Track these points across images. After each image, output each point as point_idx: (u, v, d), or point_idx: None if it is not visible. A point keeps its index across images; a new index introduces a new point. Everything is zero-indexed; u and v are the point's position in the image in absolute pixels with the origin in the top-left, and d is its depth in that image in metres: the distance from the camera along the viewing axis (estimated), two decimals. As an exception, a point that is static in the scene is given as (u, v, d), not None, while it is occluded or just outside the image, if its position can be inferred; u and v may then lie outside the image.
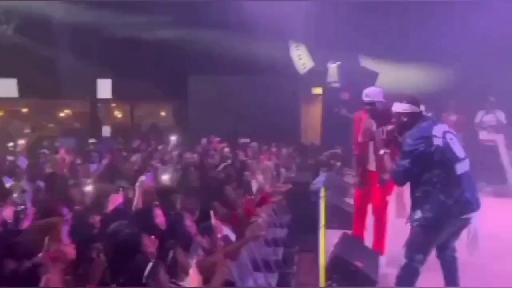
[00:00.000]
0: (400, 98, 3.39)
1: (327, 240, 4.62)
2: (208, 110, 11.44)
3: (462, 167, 3.18)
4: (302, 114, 11.89)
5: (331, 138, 10.54)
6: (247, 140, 10.17)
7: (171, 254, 2.75)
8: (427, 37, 9.57)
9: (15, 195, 4.23)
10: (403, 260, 3.28)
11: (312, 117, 11.74)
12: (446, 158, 3.15)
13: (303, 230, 5.83)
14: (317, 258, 4.34)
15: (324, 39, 10.39)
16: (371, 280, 3.61)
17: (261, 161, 7.66)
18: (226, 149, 8.19)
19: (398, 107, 3.36)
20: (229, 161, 6.95)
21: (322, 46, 10.75)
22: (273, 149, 8.91)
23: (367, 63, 11.07)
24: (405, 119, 3.29)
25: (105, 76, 11.96)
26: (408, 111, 3.29)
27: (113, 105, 14.53)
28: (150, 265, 2.52)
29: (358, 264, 3.63)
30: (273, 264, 4.59)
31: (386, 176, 4.10)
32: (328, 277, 3.68)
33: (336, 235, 4.51)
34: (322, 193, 6.55)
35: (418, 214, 3.16)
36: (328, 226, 5.39)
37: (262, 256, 4.45)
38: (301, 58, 11.50)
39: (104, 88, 12.15)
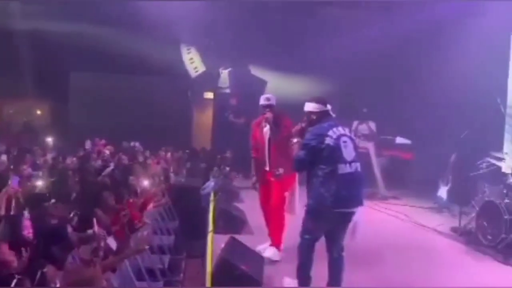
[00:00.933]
0: (310, 98, 3.80)
1: (215, 245, 4.66)
2: (92, 110, 10.75)
3: (345, 168, 3.52)
4: (193, 118, 11.83)
5: (222, 142, 10.67)
6: (136, 143, 9.80)
7: (39, 271, 2.48)
8: (313, 49, 10.18)
9: None
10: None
11: (204, 121, 11.75)
12: (332, 157, 3.51)
13: (191, 236, 5.78)
14: (204, 264, 4.35)
15: (216, 44, 10.50)
16: (255, 282, 3.71)
17: (148, 166, 7.42)
18: (109, 153, 7.76)
19: (309, 106, 3.75)
20: (112, 166, 6.60)
21: (214, 51, 10.84)
22: (162, 153, 8.69)
23: (257, 71, 11.45)
24: (314, 117, 3.70)
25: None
26: (316, 110, 3.71)
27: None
28: (14, 281, 2.25)
29: (243, 267, 3.69)
30: (158, 273, 4.46)
31: (281, 171, 4.53)
32: (214, 282, 3.69)
33: (224, 240, 4.55)
34: (212, 198, 6.59)
35: (307, 200, 3.65)
36: (216, 231, 5.45)
37: (147, 265, 4.31)
38: (193, 62, 11.46)
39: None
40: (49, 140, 8.59)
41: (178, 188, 6.93)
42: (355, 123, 9.68)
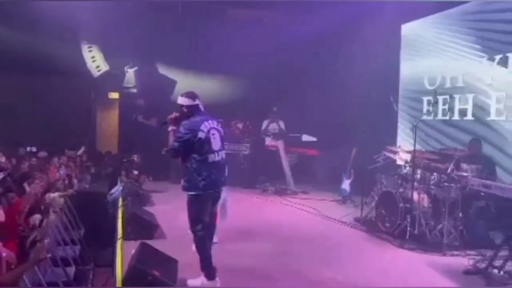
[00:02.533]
0: (183, 93, 4.24)
1: (126, 252, 4.47)
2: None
3: (214, 157, 4.14)
4: (98, 119, 11.19)
5: (130, 145, 10.25)
6: (33, 148, 9.02)
7: None
8: (223, 48, 10.21)
9: None
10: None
11: (109, 123, 11.16)
12: (204, 148, 4.07)
13: (99, 245, 5.47)
14: (114, 272, 4.15)
15: (120, 42, 10.01)
16: (168, 286, 3.62)
17: (49, 172, 6.86)
18: (2, 159, 7.02)
19: (180, 100, 4.19)
20: (6, 173, 5.99)
21: (118, 49, 10.35)
22: (64, 158, 8.08)
23: (165, 70, 11.18)
24: (185, 110, 4.15)
25: None
26: (187, 104, 4.15)
27: None
28: None
29: (156, 272, 3.59)
30: (62, 286, 4.15)
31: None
32: (125, 290, 3.53)
33: (136, 246, 4.39)
34: (120, 203, 6.28)
35: (182, 182, 4.12)
36: (126, 237, 5.22)
37: (49, 279, 3.99)
38: (95, 60, 10.84)
39: None
40: None
41: (82, 194, 6.50)
42: (265, 122, 9.93)
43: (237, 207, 7.74)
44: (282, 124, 9.86)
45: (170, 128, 4.18)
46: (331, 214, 7.35)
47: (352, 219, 7.11)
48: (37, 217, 4.55)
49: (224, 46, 10.22)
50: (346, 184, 8.51)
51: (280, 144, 9.65)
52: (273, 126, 9.87)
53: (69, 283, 4.30)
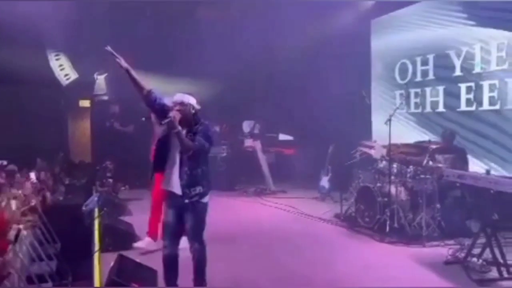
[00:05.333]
0: (187, 93, 3.87)
1: (104, 265, 4.35)
2: None
3: None
4: (69, 129, 10.89)
5: (104, 153, 10.02)
6: (4, 162, 8.69)
7: None
8: (195, 51, 10.10)
9: None
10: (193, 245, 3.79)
11: (81, 132, 10.88)
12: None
13: (76, 258, 5.32)
14: (92, 284, 4.03)
15: (88, 49, 9.75)
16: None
17: (20, 185, 6.61)
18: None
19: (190, 99, 3.80)
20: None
21: (87, 56, 10.08)
22: (35, 171, 7.81)
23: (138, 75, 10.95)
24: (194, 111, 3.78)
25: None
26: (196, 107, 3.83)
27: None
28: None
29: (135, 284, 3.50)
30: (39, 305, 4.01)
31: None
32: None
33: (114, 257, 4.28)
34: (96, 214, 6.12)
35: (200, 189, 3.70)
36: (104, 249, 5.09)
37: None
38: (63, 68, 10.55)
39: None
40: None
41: (57, 207, 6.31)
42: (244, 123, 9.90)
43: (217, 210, 7.69)
44: (258, 125, 9.85)
45: (177, 129, 3.56)
46: (311, 212, 7.37)
47: (332, 215, 7.15)
48: (12, 233, 4.36)
49: (197, 48, 10.11)
50: (324, 181, 8.55)
51: (257, 145, 9.63)
52: (250, 127, 9.86)
53: (46, 301, 4.17)
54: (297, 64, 9.97)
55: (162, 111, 3.68)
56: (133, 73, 3.68)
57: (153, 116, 5.24)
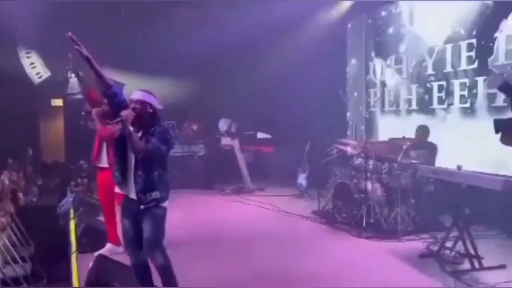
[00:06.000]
0: (145, 90, 3.58)
1: (82, 265, 4.28)
2: None
3: None
4: (41, 128, 10.61)
5: (78, 152, 9.80)
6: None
7: None
8: (169, 48, 9.99)
9: None
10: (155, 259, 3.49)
11: (53, 131, 10.62)
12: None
13: (52, 260, 5.21)
14: (70, 286, 3.98)
15: (61, 47, 9.51)
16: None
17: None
18: None
19: (147, 97, 3.51)
20: None
21: (59, 54, 9.83)
22: (6, 172, 7.58)
23: (111, 74, 10.75)
24: (151, 110, 3.50)
25: None
26: (156, 106, 3.54)
27: None
28: None
29: (116, 284, 3.46)
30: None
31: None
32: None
33: (93, 258, 4.22)
34: (71, 215, 6.02)
35: (156, 194, 3.43)
36: (81, 250, 5.01)
37: (-1, 302, 3.75)
38: (35, 67, 10.27)
39: None
40: None
41: (30, 209, 6.16)
42: (220, 121, 9.88)
43: (195, 208, 7.71)
44: (235, 123, 9.86)
45: (127, 130, 3.31)
46: (290, 209, 7.43)
47: (310, 212, 7.23)
48: None
49: (171, 46, 10.01)
50: (302, 179, 8.64)
51: (235, 143, 9.63)
52: (227, 125, 9.85)
53: (21, 304, 4.07)
54: (275, 62, 10.01)
55: (120, 107, 3.44)
56: (94, 63, 3.43)
57: (94, 112, 5.07)
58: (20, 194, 6.67)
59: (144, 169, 3.41)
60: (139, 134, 3.45)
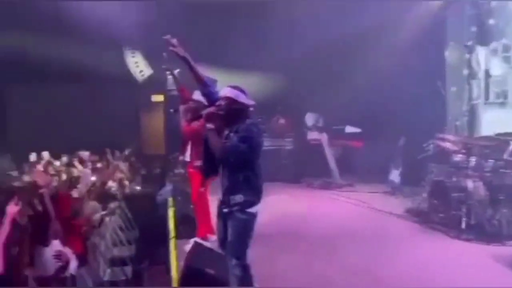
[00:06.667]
0: (233, 86, 3.42)
1: (179, 251, 4.58)
2: (33, 124, 10.24)
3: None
4: (143, 123, 11.51)
5: (176, 145, 10.46)
6: (86, 153, 9.42)
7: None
8: (258, 44, 10.19)
9: None
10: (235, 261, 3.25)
11: (154, 125, 11.46)
12: (260, 150, 3.37)
13: (153, 244, 5.65)
14: (169, 271, 4.27)
15: (161, 46, 10.19)
16: (223, 284, 3.67)
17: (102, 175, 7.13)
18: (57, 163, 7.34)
19: (232, 93, 3.34)
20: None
21: (160, 53, 10.54)
22: (115, 162, 8.36)
23: (206, 70, 11.26)
24: (236, 107, 3.31)
25: None
26: (239, 100, 3.33)
27: None
28: None
29: (210, 271, 3.65)
30: (121, 284, 4.34)
31: (198, 163, 4.63)
32: (180, 288, 3.63)
33: (188, 244, 4.49)
34: (170, 203, 6.45)
35: (240, 198, 3.21)
36: (178, 236, 5.35)
37: (109, 278, 4.18)
38: (138, 65, 11.13)
39: None
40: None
41: (135, 196, 6.73)
42: (307, 116, 9.87)
43: (281, 203, 7.74)
44: (322, 117, 9.79)
45: (209, 126, 3.27)
46: (380, 207, 7.18)
47: (403, 210, 6.92)
48: (97, 217, 4.73)
49: (262, 42, 10.19)
50: (394, 175, 8.28)
51: (323, 137, 9.55)
52: (315, 119, 9.80)
53: (127, 282, 4.49)
54: (365, 53, 9.69)
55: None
56: (192, 62, 3.44)
57: (181, 108, 5.23)
58: (127, 182, 7.32)
59: (228, 169, 3.25)
60: (226, 132, 3.31)
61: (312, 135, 9.84)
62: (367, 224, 6.38)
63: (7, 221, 3.05)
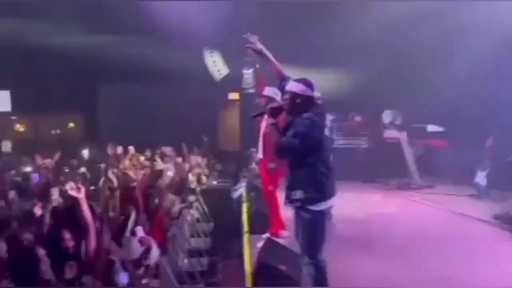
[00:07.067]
0: (297, 79, 3.32)
1: (251, 246, 4.67)
2: (121, 120, 11.03)
3: (331, 158, 3.27)
4: (219, 120, 11.90)
5: (251, 143, 10.66)
6: (169, 148, 9.96)
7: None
8: (331, 40, 10.03)
9: None
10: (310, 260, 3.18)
11: (229, 123, 11.78)
12: (328, 147, 3.25)
13: (227, 237, 5.81)
14: (242, 264, 4.37)
15: (239, 45, 10.43)
16: (294, 282, 3.68)
17: (181, 170, 7.50)
18: (142, 158, 7.83)
19: (294, 87, 3.26)
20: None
21: (238, 51, 10.80)
22: (193, 157, 8.75)
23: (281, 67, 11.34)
24: (298, 100, 3.22)
25: (3, 88, 11.00)
26: (304, 93, 3.22)
27: (14, 118, 13.35)
28: None
29: (282, 268, 3.68)
30: (198, 275, 4.52)
31: (272, 165, 4.65)
32: (254, 283, 3.70)
33: (259, 240, 4.56)
34: (244, 198, 6.61)
35: (300, 194, 3.13)
36: (251, 231, 5.45)
37: (187, 269, 4.38)
38: (216, 65, 11.49)
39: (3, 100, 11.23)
40: (85, 152, 8.79)
41: (211, 190, 7.00)
42: (385, 113, 9.54)
43: (355, 203, 7.52)
44: (400, 115, 9.40)
45: (271, 121, 3.24)
46: (465, 211, 6.72)
47: (490, 216, 6.41)
48: (176, 210, 4.97)
49: (339, 40, 10.02)
50: (481, 177, 7.71)
51: (401, 136, 9.17)
52: (394, 117, 9.45)
53: (203, 273, 4.68)
54: (451, 52, 9.11)
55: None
56: (270, 55, 3.52)
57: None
58: (204, 177, 7.63)
59: (289, 164, 3.21)
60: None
61: (390, 133, 9.49)
62: (448, 228, 6.00)
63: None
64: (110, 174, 4.70)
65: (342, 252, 4.70)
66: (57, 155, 6.56)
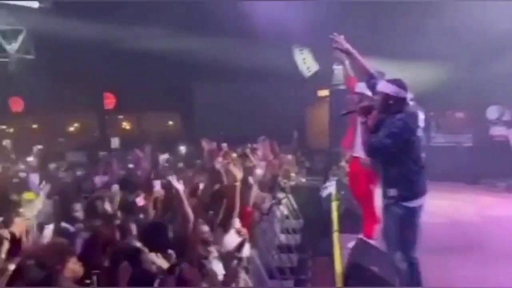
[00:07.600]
0: (390, 80, 3.32)
1: (340, 245, 4.59)
2: (214, 118, 11.57)
3: (422, 158, 3.28)
4: (308, 117, 11.87)
5: (339, 139, 10.48)
6: (259, 144, 10.20)
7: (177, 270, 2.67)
8: (429, 34, 9.46)
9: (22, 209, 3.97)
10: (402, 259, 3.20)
11: (318, 120, 11.70)
12: (420, 147, 3.25)
13: (316, 235, 5.79)
14: (331, 262, 4.32)
15: (328, 42, 10.30)
16: (387, 283, 3.56)
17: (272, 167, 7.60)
18: (234, 155, 8.10)
19: (387, 88, 3.25)
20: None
21: (327, 48, 10.67)
22: (282, 155, 8.83)
23: (373, 63, 10.96)
24: (391, 102, 3.21)
25: (111, 89, 12.14)
26: (396, 95, 3.21)
27: (120, 116, 14.69)
28: (157, 281, 2.50)
29: (375, 269, 3.58)
30: (287, 271, 4.57)
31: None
32: (345, 283, 3.65)
33: (349, 239, 4.46)
34: (334, 197, 6.53)
35: (394, 192, 3.19)
36: (342, 230, 5.36)
37: (277, 264, 4.45)
38: (306, 62, 11.48)
39: (111, 100, 12.44)
40: (181, 148, 9.36)
41: (300, 188, 7.02)
42: (491, 109, 8.80)
43: (458, 206, 7.01)
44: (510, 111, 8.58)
45: (361, 120, 3.30)
46: None
47: None
48: (267, 206, 5.04)
49: (433, 34, 9.44)
50: None
51: (510, 133, 8.37)
52: (501, 113, 8.67)
53: (293, 269, 4.72)
54: None
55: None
56: (355, 53, 3.56)
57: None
58: (293, 174, 7.68)
59: (382, 163, 3.28)
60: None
61: (497, 131, 8.71)
62: None
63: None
64: (220, 168, 4.75)
65: (439, 256, 4.42)
66: (148, 148, 6.92)
